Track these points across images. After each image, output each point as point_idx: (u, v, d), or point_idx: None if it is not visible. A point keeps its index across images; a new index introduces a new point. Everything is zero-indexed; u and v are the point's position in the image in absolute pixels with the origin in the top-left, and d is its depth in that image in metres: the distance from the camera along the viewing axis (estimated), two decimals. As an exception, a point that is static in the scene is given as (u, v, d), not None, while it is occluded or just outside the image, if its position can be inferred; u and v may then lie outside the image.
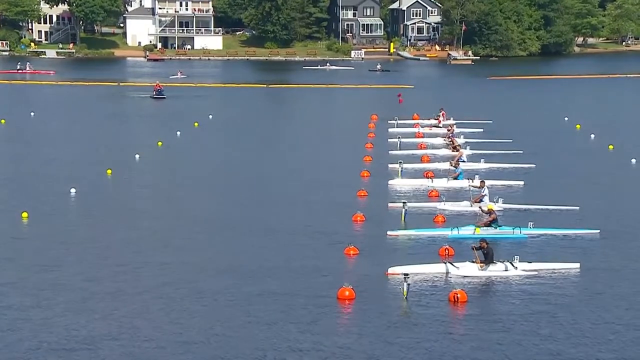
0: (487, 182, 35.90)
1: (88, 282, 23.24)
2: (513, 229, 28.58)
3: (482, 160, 41.67)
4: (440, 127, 53.57)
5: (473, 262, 24.28)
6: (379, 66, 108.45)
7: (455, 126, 52.51)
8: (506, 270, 24.29)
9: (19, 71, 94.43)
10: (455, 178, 36.77)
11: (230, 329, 20.09)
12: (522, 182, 37.31)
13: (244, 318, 20.72)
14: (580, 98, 78.29)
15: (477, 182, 33.57)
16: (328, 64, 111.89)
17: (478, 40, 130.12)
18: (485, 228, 28.38)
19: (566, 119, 59.56)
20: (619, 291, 23.09)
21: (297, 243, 27.62)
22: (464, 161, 40.60)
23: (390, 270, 24.05)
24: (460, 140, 47.55)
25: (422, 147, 46.93)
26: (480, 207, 30.39)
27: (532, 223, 28.76)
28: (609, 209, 32.92)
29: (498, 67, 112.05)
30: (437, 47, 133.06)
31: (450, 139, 47.38)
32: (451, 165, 39.29)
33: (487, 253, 24.36)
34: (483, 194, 32.25)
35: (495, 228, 28.51)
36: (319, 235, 28.47)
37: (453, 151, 43.83)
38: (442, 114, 55.82)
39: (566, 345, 19.38)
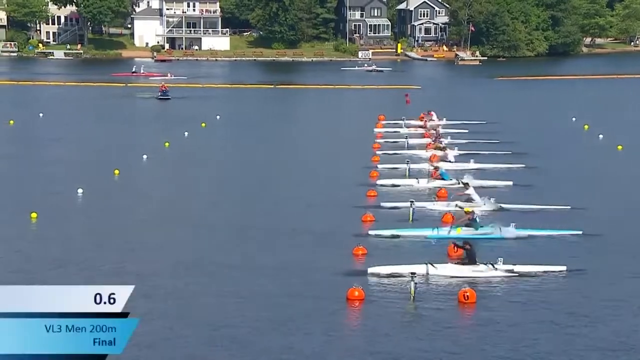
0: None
1: (95, 282, 23.27)
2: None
3: (472, 160, 41.40)
4: (427, 127, 53.57)
5: (456, 262, 24.19)
6: (374, 66, 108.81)
7: (440, 127, 52.79)
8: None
9: (134, 73, 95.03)
10: (438, 178, 36.84)
11: (238, 329, 20.13)
12: (529, 183, 37.27)
13: (252, 318, 20.75)
14: (588, 98, 78.08)
15: (466, 181, 33.89)
16: (366, 65, 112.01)
17: (485, 40, 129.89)
18: (466, 228, 28.26)
19: (574, 119, 59.45)
20: (614, 292, 23.10)
21: (306, 243, 27.64)
22: (450, 161, 40.74)
23: (370, 270, 23.95)
24: (446, 141, 47.55)
25: (430, 147, 46.96)
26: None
27: (534, 224, 28.78)
28: (616, 210, 32.84)
29: (506, 68, 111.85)
30: (445, 48, 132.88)
31: (435, 139, 47.57)
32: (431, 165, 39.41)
33: (469, 254, 24.23)
34: (467, 192, 32.39)
35: (476, 229, 28.30)
36: (328, 235, 28.47)
37: (437, 151, 43.98)
38: (430, 115, 56.06)
39: (572, 347, 19.40)
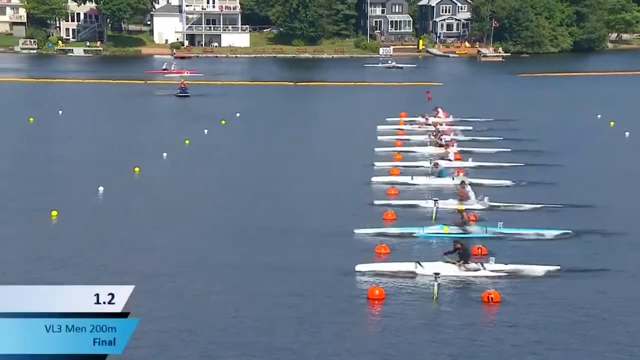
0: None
1: (115, 280, 22.89)
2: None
3: (470, 159, 40.81)
4: (429, 124, 53.03)
5: (447, 262, 23.60)
6: (393, 63, 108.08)
7: (443, 124, 52.30)
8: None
9: (164, 71, 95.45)
10: (438, 176, 36.35)
11: (258, 327, 19.77)
12: (553, 181, 36.62)
13: (272, 317, 20.40)
14: (614, 95, 77.07)
15: (462, 180, 33.68)
16: (389, 62, 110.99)
17: (508, 36, 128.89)
18: (457, 227, 27.72)
19: (599, 116, 58.63)
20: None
21: (327, 242, 27.25)
22: (450, 160, 40.35)
23: (358, 267, 23.59)
24: (448, 138, 46.97)
25: (451, 144, 46.30)
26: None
27: (548, 223, 28.33)
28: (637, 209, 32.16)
29: (529, 64, 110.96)
30: (467, 44, 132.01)
31: (436, 135, 47.05)
32: (433, 164, 38.92)
33: (460, 253, 23.67)
34: (467, 191, 32.04)
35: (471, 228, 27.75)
36: (349, 234, 27.97)
37: (438, 148, 43.56)
38: (437, 112, 55.53)
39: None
